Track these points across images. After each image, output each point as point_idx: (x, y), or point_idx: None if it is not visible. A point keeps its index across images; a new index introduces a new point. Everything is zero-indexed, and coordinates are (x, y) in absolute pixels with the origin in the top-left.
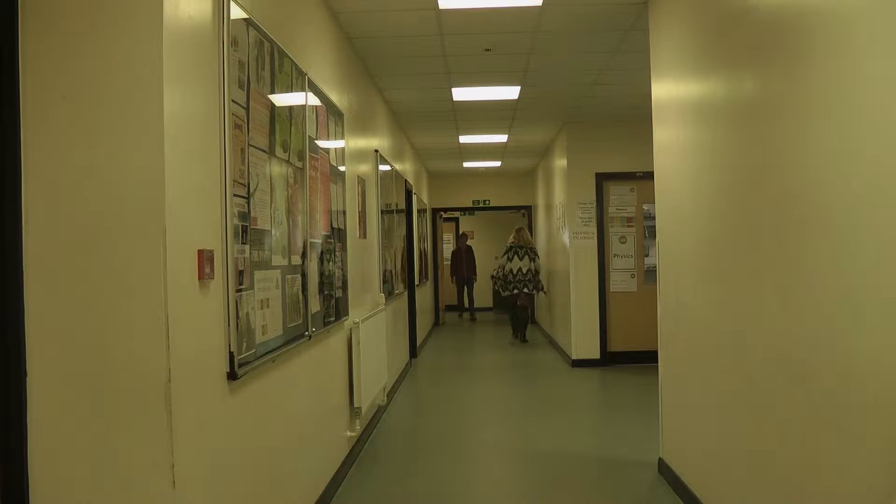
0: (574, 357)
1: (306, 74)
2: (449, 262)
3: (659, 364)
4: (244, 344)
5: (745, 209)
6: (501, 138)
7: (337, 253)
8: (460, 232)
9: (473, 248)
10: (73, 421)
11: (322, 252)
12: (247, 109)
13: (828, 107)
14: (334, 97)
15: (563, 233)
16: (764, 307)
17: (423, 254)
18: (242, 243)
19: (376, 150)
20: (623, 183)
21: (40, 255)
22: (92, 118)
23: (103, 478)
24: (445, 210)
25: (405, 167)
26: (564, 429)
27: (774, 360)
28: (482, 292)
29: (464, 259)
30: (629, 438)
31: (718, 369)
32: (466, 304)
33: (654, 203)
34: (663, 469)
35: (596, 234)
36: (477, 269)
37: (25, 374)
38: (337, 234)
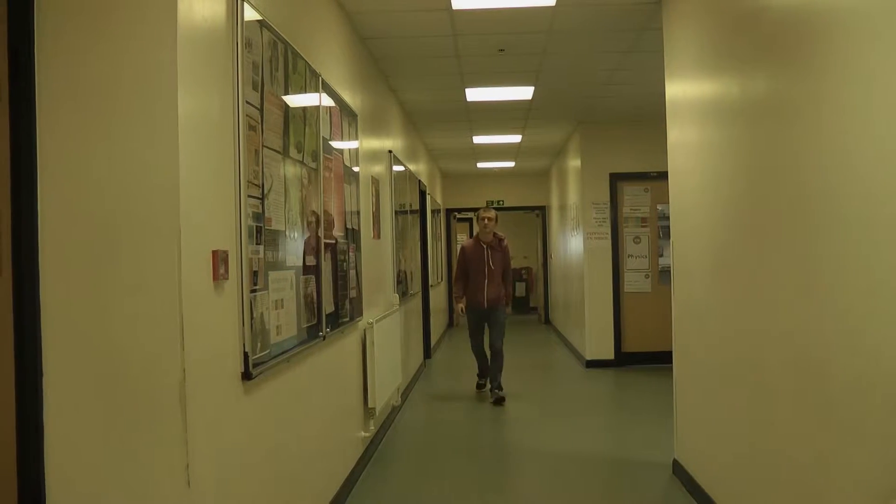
0: (588, 357)
1: (320, 75)
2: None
3: (673, 365)
4: (258, 344)
5: (761, 209)
6: (515, 139)
7: (351, 253)
8: (482, 212)
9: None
10: (89, 420)
11: (336, 253)
12: (261, 110)
13: (844, 106)
14: (348, 98)
15: (577, 233)
16: (780, 308)
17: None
18: (257, 244)
19: (390, 151)
20: (637, 183)
21: (56, 255)
22: (107, 119)
23: (119, 477)
24: (459, 210)
25: (419, 167)
26: (579, 429)
27: (790, 360)
28: None
29: (487, 266)
30: (643, 439)
31: (733, 370)
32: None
33: (668, 203)
34: (678, 470)
35: (610, 235)
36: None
37: (42, 373)
38: (351, 235)
